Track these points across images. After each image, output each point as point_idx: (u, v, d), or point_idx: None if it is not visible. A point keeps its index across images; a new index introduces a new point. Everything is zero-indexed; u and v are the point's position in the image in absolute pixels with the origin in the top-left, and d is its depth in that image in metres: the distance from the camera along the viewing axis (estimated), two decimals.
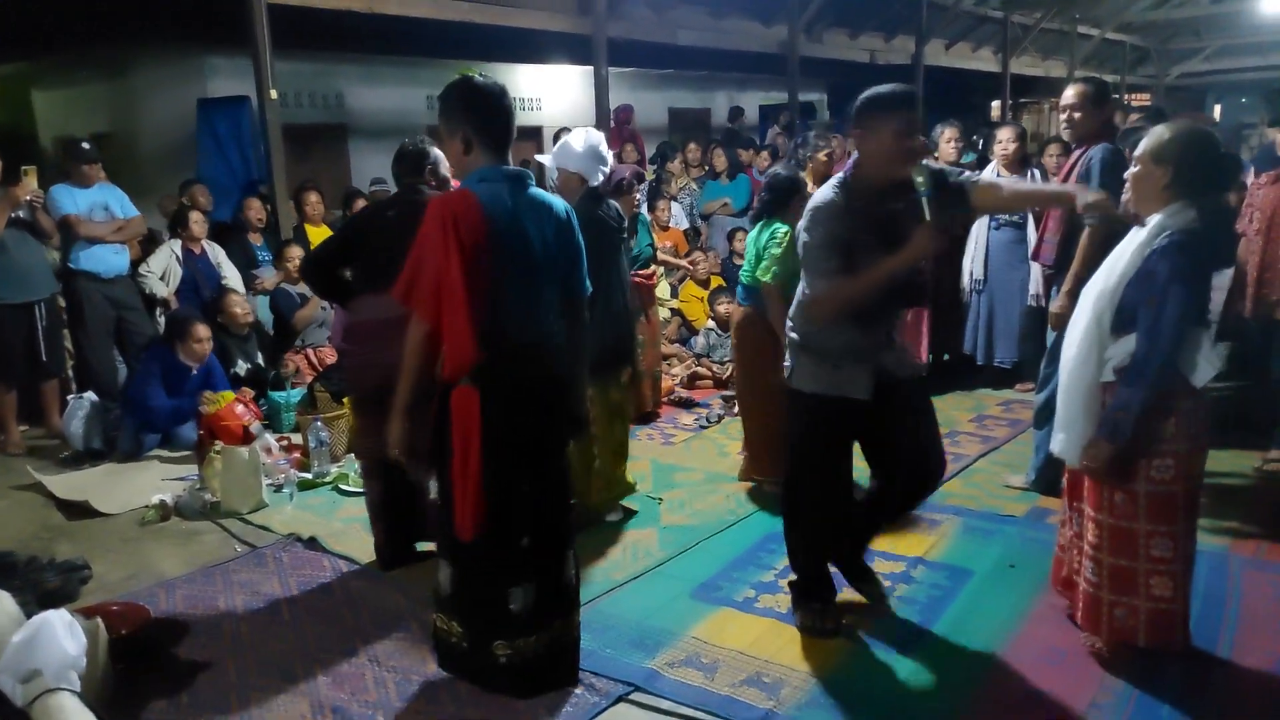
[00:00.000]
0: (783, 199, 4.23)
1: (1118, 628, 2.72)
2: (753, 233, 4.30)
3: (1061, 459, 2.83)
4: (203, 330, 5.23)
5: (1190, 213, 2.54)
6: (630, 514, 4.10)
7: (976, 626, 3.06)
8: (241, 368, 5.74)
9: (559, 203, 2.76)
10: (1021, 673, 2.79)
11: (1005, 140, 5.56)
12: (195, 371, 5.25)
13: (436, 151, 3.61)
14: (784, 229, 4.16)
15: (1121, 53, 19.29)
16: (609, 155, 3.99)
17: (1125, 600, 2.69)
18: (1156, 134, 2.63)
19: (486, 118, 2.64)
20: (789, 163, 6.04)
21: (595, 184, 3.95)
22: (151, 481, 4.70)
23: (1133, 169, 2.67)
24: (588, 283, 2.88)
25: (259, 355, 5.87)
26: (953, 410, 5.49)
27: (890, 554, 3.59)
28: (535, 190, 2.70)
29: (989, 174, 5.56)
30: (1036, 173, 5.60)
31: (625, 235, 4.17)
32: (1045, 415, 3.82)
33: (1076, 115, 3.89)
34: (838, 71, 14.62)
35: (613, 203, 4.08)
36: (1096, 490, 2.72)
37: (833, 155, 5.72)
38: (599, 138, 3.95)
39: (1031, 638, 2.98)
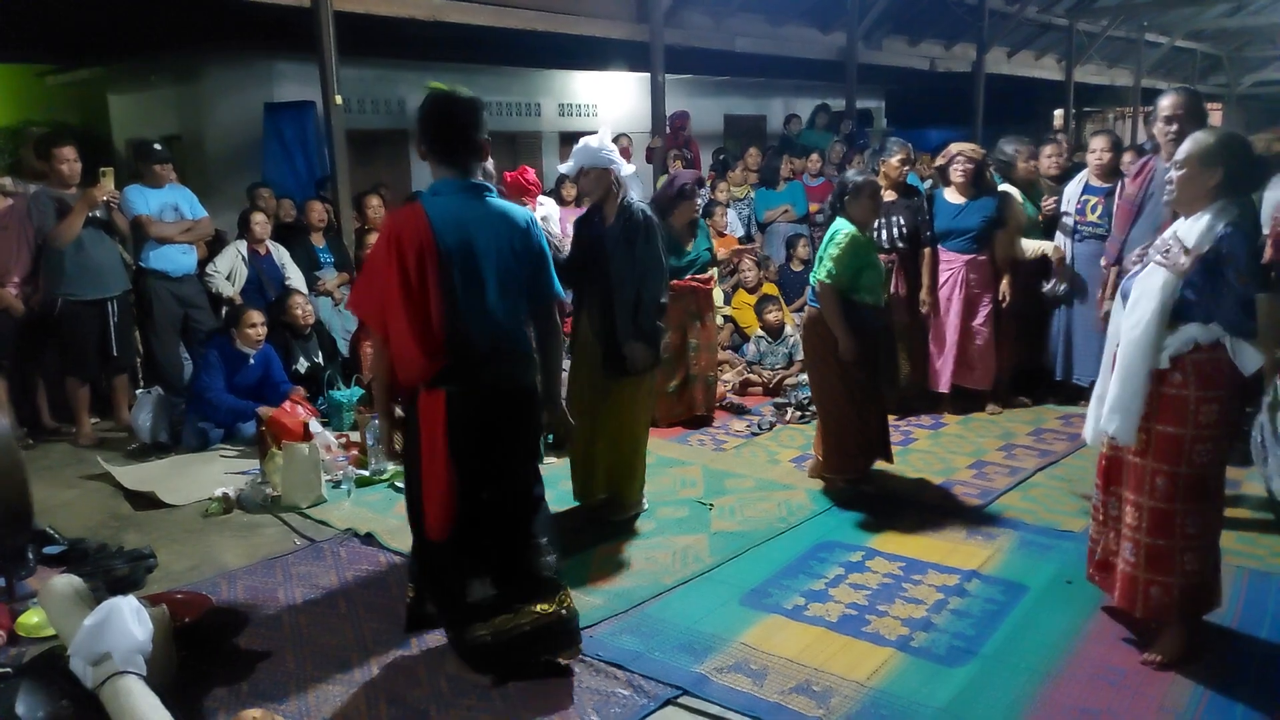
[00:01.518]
0: (850, 201, 4.24)
1: (1153, 605, 2.86)
2: (826, 236, 4.31)
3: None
4: (256, 316, 5.41)
5: (1234, 210, 2.72)
6: (632, 515, 4.12)
7: (1031, 642, 3.02)
8: (302, 365, 5.87)
9: (520, 212, 2.82)
10: (1077, 691, 2.74)
11: (1100, 150, 5.45)
12: (253, 360, 5.40)
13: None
14: (845, 230, 4.16)
15: (1192, 61, 18.85)
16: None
17: (1161, 579, 2.84)
18: (1200, 139, 2.79)
19: (435, 131, 2.75)
20: (867, 169, 6.07)
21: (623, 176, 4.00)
22: (215, 475, 4.83)
23: (1178, 171, 2.81)
24: (557, 288, 2.92)
25: (319, 354, 6.01)
26: (1010, 423, 5.42)
27: (944, 566, 3.55)
28: (494, 200, 2.77)
29: (1076, 185, 5.48)
30: (1125, 180, 5.43)
31: (639, 237, 3.96)
32: None
33: (1174, 127, 3.84)
34: (896, 78, 14.52)
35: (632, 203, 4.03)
36: (1138, 473, 2.85)
37: (909, 161, 5.75)
38: (606, 137, 4.02)
39: (1088, 656, 2.92)
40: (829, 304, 4.16)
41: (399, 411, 2.92)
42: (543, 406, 2.99)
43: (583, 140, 3.99)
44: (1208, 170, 2.74)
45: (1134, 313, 2.80)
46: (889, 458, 4.50)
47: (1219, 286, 2.65)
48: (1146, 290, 2.78)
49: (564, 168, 4.14)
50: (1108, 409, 2.87)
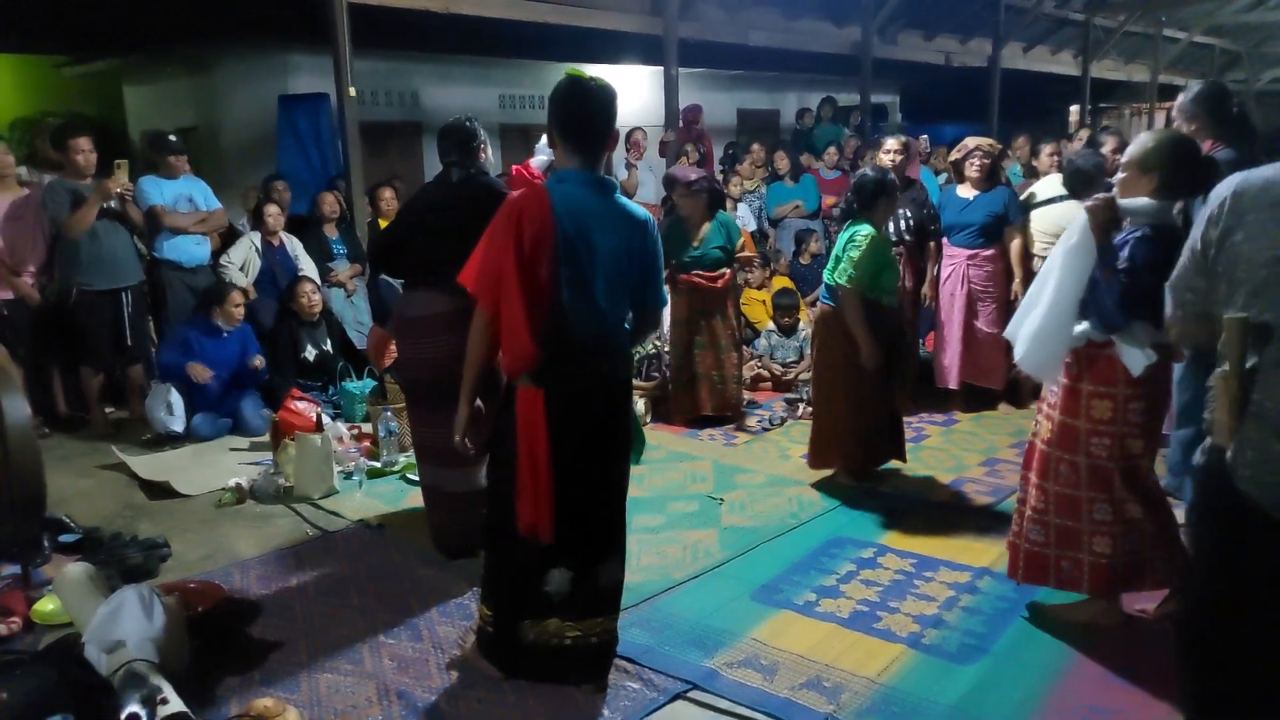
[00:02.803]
0: (869, 200, 4.20)
1: (1064, 578, 3.04)
2: (842, 233, 4.28)
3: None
4: (239, 297, 5.57)
5: (1160, 214, 2.76)
6: None
7: (1043, 641, 3.01)
8: (310, 353, 5.90)
9: (640, 214, 2.70)
10: (1089, 690, 2.73)
11: (1109, 150, 5.47)
12: (227, 334, 5.52)
13: (483, 133, 3.67)
14: (866, 231, 4.13)
15: (1210, 56, 18.66)
16: None
17: (1070, 554, 3.01)
18: (1141, 142, 2.84)
19: (564, 118, 2.63)
20: (858, 165, 6.05)
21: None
22: (228, 465, 4.86)
23: (1120, 174, 2.86)
24: (663, 295, 2.87)
25: (328, 342, 6.03)
26: (1024, 420, 5.38)
27: (956, 563, 3.54)
28: (618, 199, 2.67)
29: None
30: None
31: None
32: (1186, 416, 3.77)
33: (1193, 126, 3.80)
34: (911, 73, 14.44)
35: None
36: (1044, 460, 3.02)
37: (904, 153, 5.70)
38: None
39: (1102, 653, 2.91)
40: (852, 308, 4.11)
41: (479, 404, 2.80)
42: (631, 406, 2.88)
43: (545, 138, 3.79)
44: (1145, 175, 2.77)
45: (1056, 276, 2.86)
46: (902, 457, 4.48)
47: (1098, 284, 2.76)
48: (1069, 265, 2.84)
49: (536, 161, 4.06)
50: (1025, 339, 2.94)
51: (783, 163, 8.57)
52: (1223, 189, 1.88)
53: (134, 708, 2.41)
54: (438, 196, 3.68)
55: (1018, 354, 2.99)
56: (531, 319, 2.51)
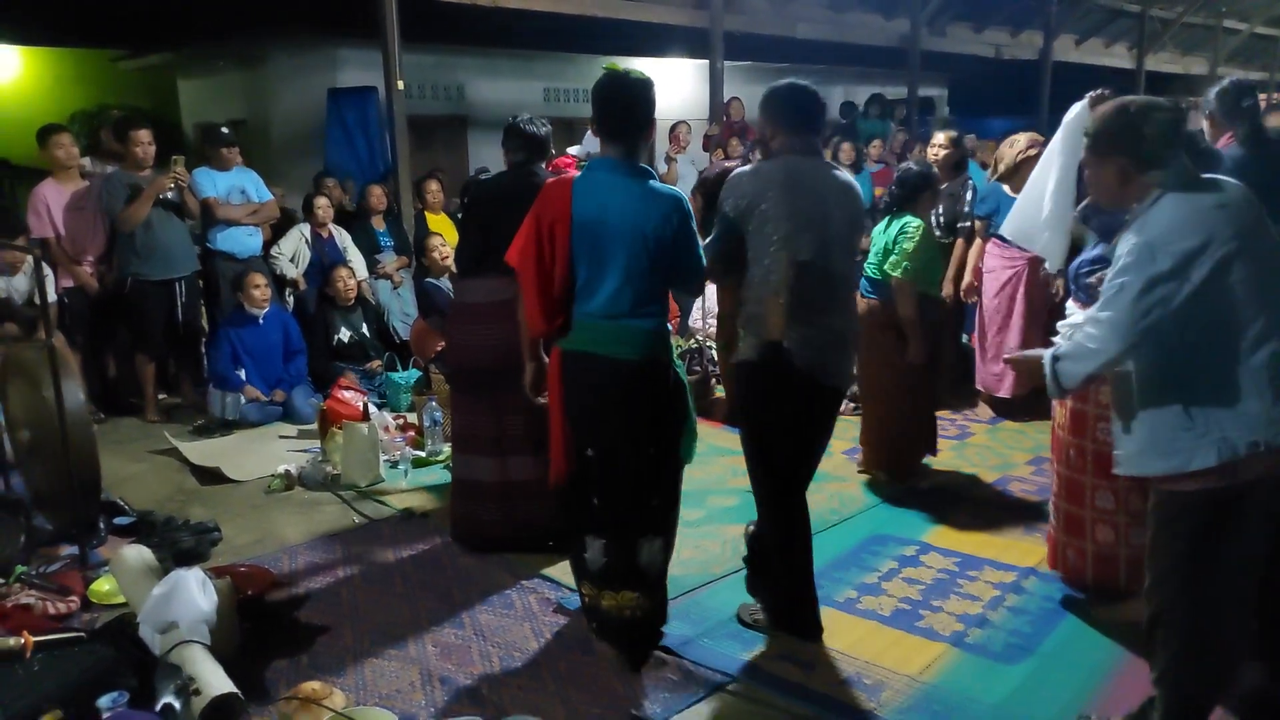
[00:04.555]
0: (913, 193, 4.19)
1: (1070, 567, 3.13)
2: (879, 226, 4.26)
3: None
4: (258, 279, 5.64)
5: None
6: None
7: (1090, 641, 2.96)
8: (346, 335, 6.01)
9: (668, 200, 2.73)
10: (1139, 691, 2.67)
11: None
12: (262, 320, 5.61)
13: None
14: (916, 223, 4.12)
15: (1272, 49, 18.14)
16: None
17: (1075, 542, 3.10)
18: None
19: (601, 112, 2.79)
20: (905, 158, 5.96)
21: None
22: (277, 452, 4.95)
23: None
24: (703, 268, 2.84)
25: (364, 326, 6.13)
26: None
27: (1001, 563, 3.50)
28: (643, 183, 2.74)
29: None
30: None
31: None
32: None
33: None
34: (960, 66, 14.24)
35: None
36: (1058, 444, 3.12)
37: (950, 146, 5.61)
38: None
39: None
40: (908, 302, 4.09)
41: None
42: (663, 387, 2.83)
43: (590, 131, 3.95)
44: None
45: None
46: (934, 450, 4.46)
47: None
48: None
49: (574, 149, 4.15)
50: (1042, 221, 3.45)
51: (847, 154, 8.42)
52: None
53: (168, 698, 2.47)
54: (499, 190, 3.74)
55: (1035, 246, 3.35)
56: (539, 292, 2.77)
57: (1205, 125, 3.85)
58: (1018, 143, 5.33)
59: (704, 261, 2.84)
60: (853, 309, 3.06)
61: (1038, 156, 5.15)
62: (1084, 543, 3.09)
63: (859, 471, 4.49)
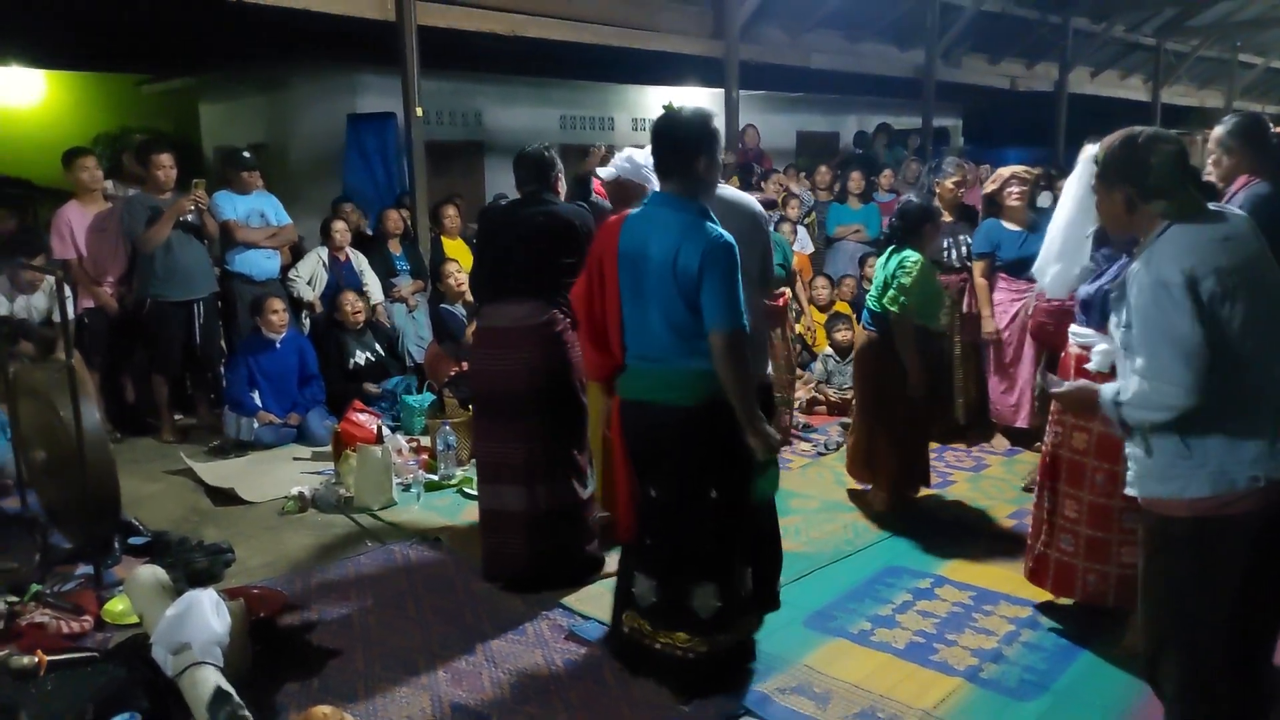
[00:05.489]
0: (914, 227, 4.19)
1: (1090, 592, 3.14)
2: (881, 259, 4.27)
3: None
4: (277, 304, 5.67)
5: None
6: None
7: (1107, 679, 2.93)
8: (361, 358, 6.04)
9: (707, 235, 2.61)
10: None
11: None
12: (279, 345, 5.64)
13: (560, 164, 3.76)
14: (915, 257, 4.11)
15: None
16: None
17: (1098, 567, 3.10)
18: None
19: (654, 146, 2.82)
20: (921, 190, 5.94)
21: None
22: (291, 474, 4.96)
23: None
24: (728, 316, 2.60)
25: (377, 345, 6.16)
26: None
27: (1017, 598, 3.47)
28: (686, 217, 2.64)
29: None
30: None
31: None
32: None
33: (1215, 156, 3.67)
34: (974, 97, 14.29)
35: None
36: (1078, 469, 3.12)
37: (963, 183, 5.62)
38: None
39: None
40: (905, 336, 4.10)
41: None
42: (727, 431, 2.71)
43: (628, 150, 3.90)
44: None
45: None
46: (927, 483, 4.48)
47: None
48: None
49: (603, 171, 4.13)
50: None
51: (857, 183, 8.45)
52: None
53: None
54: (511, 218, 3.72)
55: (1044, 279, 3.56)
56: (590, 329, 2.80)
57: (1219, 158, 3.74)
58: (1000, 175, 5.32)
59: (735, 305, 2.61)
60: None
61: (1021, 188, 5.14)
62: (1108, 567, 3.09)
63: (849, 473, 4.52)
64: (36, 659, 2.71)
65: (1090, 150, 3.22)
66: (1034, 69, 13.59)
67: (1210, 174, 3.69)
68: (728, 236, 2.64)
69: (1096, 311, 3.05)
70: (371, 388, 5.98)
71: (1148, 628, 2.26)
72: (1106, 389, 2.21)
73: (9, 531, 3.89)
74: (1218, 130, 3.74)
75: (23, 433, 3.86)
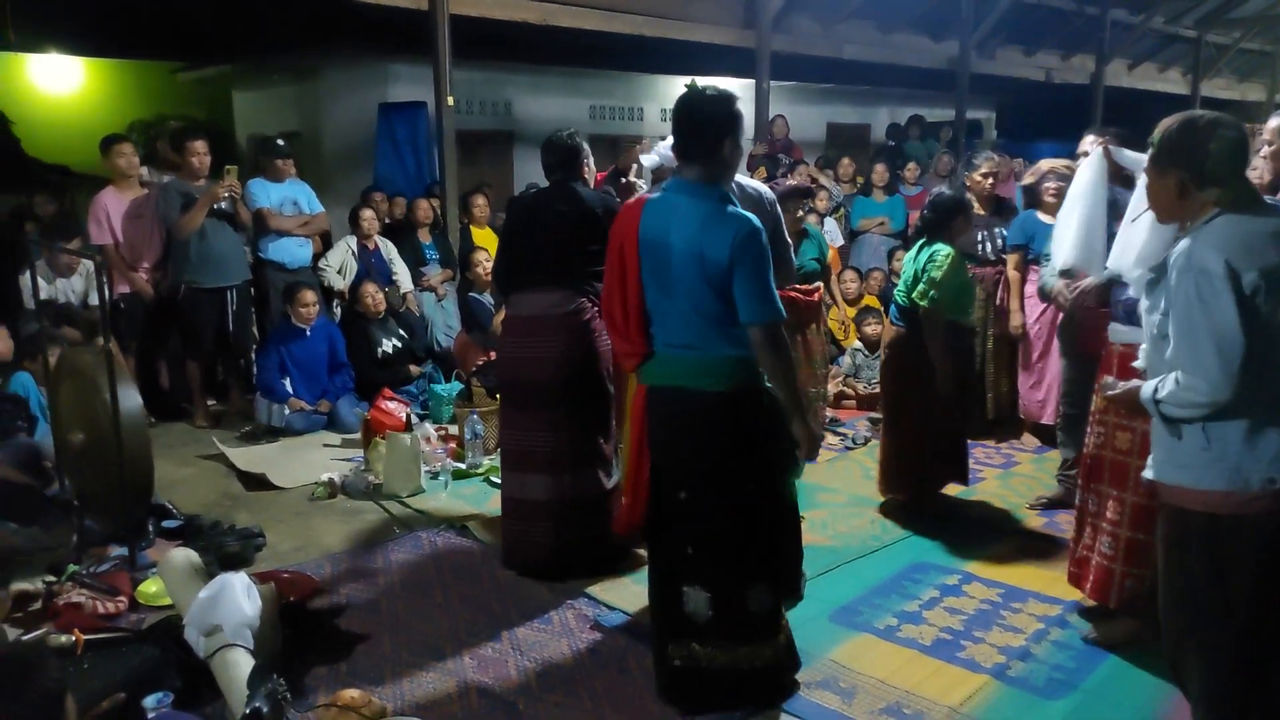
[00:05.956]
0: (945, 220, 4.12)
1: (1127, 596, 3.03)
2: (910, 253, 4.21)
3: None
4: (309, 295, 5.69)
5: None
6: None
7: (1136, 679, 2.90)
8: (388, 345, 6.09)
9: (734, 224, 2.53)
10: None
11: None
12: (309, 333, 5.69)
13: (587, 147, 3.72)
14: (945, 250, 4.05)
15: None
16: None
17: (1136, 571, 2.99)
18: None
19: (675, 127, 2.71)
20: (953, 183, 5.87)
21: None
22: (321, 460, 5.02)
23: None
24: (764, 309, 2.55)
25: (400, 330, 6.21)
26: None
27: (1046, 595, 3.44)
28: (711, 204, 2.56)
29: None
30: None
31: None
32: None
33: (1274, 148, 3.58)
34: (1009, 89, 14.11)
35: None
36: (1123, 470, 3.02)
37: (994, 174, 5.54)
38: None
39: None
40: (934, 331, 4.02)
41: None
42: (769, 421, 2.67)
43: (671, 139, 3.90)
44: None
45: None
46: (965, 480, 4.35)
47: None
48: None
49: (647, 160, 4.10)
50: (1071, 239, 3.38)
51: (881, 175, 8.40)
52: None
53: (258, 703, 2.47)
54: (538, 206, 3.73)
55: (1065, 261, 3.41)
56: (616, 316, 2.76)
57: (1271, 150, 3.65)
58: (1039, 169, 5.24)
59: (768, 296, 2.56)
60: None
61: (1058, 184, 4.97)
62: (1147, 570, 2.94)
63: (880, 492, 4.38)
64: (74, 638, 2.76)
65: (1090, 140, 3.17)
66: (1070, 61, 13.38)
67: (1256, 167, 3.62)
68: (754, 221, 2.56)
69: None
70: (415, 368, 6.03)
71: (1167, 625, 2.25)
72: (1146, 386, 2.19)
73: (48, 513, 3.96)
74: (1274, 121, 3.66)
75: (63, 415, 3.92)
